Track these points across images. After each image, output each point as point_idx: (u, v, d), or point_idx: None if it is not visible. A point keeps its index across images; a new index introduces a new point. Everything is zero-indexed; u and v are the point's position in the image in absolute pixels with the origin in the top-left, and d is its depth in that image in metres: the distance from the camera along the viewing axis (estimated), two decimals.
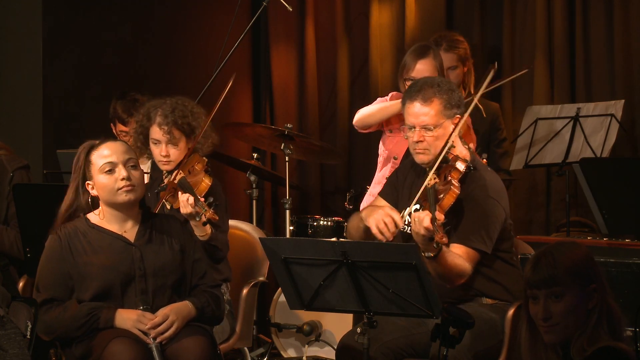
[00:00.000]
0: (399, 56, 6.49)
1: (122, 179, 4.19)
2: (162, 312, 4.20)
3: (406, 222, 4.53)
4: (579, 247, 3.31)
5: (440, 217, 4.09)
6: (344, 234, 6.34)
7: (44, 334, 4.20)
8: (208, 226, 4.66)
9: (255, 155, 6.82)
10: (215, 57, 6.31)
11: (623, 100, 6.06)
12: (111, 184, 4.21)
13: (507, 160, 6.03)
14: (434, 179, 4.28)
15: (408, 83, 5.43)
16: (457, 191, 4.23)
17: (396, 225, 4.33)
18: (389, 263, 3.83)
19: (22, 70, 6.60)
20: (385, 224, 4.32)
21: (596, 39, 6.58)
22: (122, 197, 4.23)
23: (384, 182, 5.50)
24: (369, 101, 5.92)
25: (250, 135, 6.64)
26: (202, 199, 4.58)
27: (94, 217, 4.30)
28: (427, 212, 4.07)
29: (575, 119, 5.95)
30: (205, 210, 4.53)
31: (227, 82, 4.97)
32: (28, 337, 4.14)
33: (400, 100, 5.47)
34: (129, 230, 4.29)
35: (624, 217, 5.41)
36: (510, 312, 4.34)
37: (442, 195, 4.21)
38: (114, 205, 4.26)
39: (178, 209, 4.69)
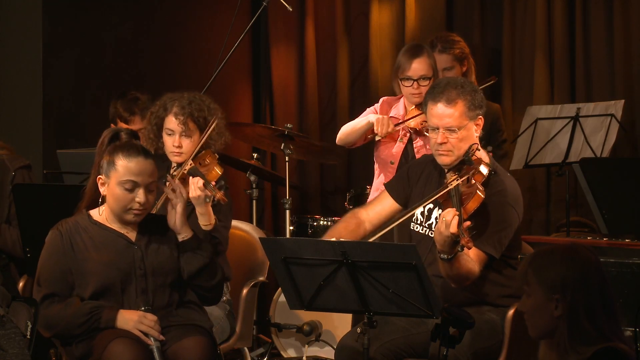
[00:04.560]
0: None
1: (138, 203, 4.17)
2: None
3: (418, 222, 4.53)
4: (571, 261, 3.27)
5: (467, 221, 4.07)
6: None
7: (44, 329, 4.19)
8: (213, 216, 4.67)
9: (255, 155, 6.83)
10: (215, 57, 6.31)
11: (623, 100, 6.06)
12: (126, 201, 4.18)
13: (507, 162, 6.03)
14: (457, 180, 4.25)
15: (405, 83, 5.45)
16: (483, 196, 4.19)
17: None
18: (389, 263, 3.83)
19: (22, 71, 6.60)
20: None
21: (596, 39, 6.58)
22: (130, 217, 4.22)
23: (382, 190, 5.53)
24: (369, 101, 5.95)
25: (250, 135, 6.64)
26: (213, 183, 4.62)
27: (96, 213, 4.29)
28: (454, 212, 4.06)
29: (575, 119, 5.95)
30: (216, 191, 4.56)
31: (212, 121, 4.90)
32: (28, 337, 4.14)
33: (367, 115, 5.53)
34: (130, 229, 4.29)
35: (624, 217, 5.42)
36: (510, 312, 4.34)
37: (467, 199, 4.18)
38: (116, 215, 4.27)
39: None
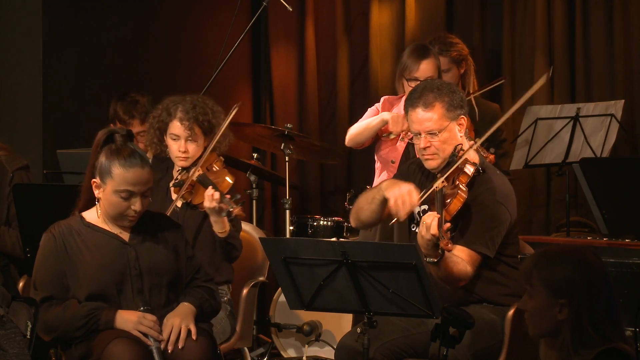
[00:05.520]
0: (398, 56, 6.50)
1: (134, 210, 4.17)
2: (168, 322, 4.19)
3: (416, 222, 4.53)
4: (578, 265, 3.26)
5: (447, 223, 4.08)
6: (344, 234, 6.34)
7: (43, 333, 4.19)
8: (227, 223, 4.68)
9: (255, 155, 6.83)
10: (215, 57, 6.31)
11: (623, 100, 6.06)
12: (121, 208, 4.17)
13: (507, 161, 6.03)
14: (442, 182, 4.26)
15: (412, 83, 5.44)
16: (465, 196, 4.21)
17: (412, 207, 4.28)
18: (389, 263, 3.83)
19: (22, 71, 6.60)
20: (404, 202, 4.25)
21: (596, 39, 6.58)
22: (125, 223, 4.22)
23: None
24: (368, 101, 5.94)
25: (250, 135, 6.64)
26: (228, 196, 4.60)
27: (89, 215, 4.28)
28: (435, 215, 4.06)
29: (575, 119, 5.95)
30: (233, 207, 4.55)
31: (231, 110, 4.92)
32: (28, 337, 4.14)
33: (381, 114, 5.54)
34: (123, 229, 4.27)
35: (624, 217, 5.42)
36: (510, 312, 4.34)
37: (449, 200, 4.19)
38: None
39: (193, 205, 4.72)
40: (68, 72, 6.60)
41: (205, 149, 4.85)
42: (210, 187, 4.64)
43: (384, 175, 5.58)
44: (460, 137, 4.44)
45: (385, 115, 5.52)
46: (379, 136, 5.60)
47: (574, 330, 3.21)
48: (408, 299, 3.87)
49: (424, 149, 4.41)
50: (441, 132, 4.39)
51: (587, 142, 5.94)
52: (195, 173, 4.74)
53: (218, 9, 7.24)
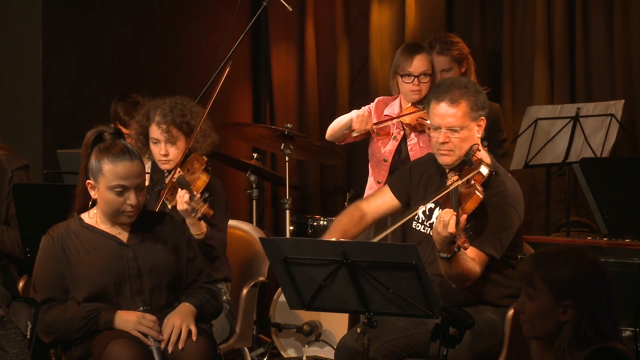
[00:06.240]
0: None
1: (130, 205, 4.16)
2: (168, 323, 4.18)
3: (420, 220, 4.53)
4: (581, 265, 3.26)
5: (464, 221, 4.08)
6: None
7: (44, 335, 4.19)
8: (204, 225, 4.66)
9: (255, 155, 6.82)
10: (215, 57, 6.31)
11: (623, 100, 6.06)
12: (118, 204, 4.16)
13: (507, 161, 6.03)
14: (457, 181, 4.26)
15: (406, 79, 5.45)
16: (481, 196, 4.20)
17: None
18: (389, 263, 3.83)
19: (22, 71, 6.60)
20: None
21: (596, 39, 6.58)
22: (124, 219, 4.21)
23: (375, 188, 5.53)
24: (368, 101, 5.93)
25: (250, 135, 6.64)
26: (198, 195, 4.59)
27: (87, 216, 4.27)
28: (452, 212, 4.06)
29: (575, 119, 5.95)
30: (200, 205, 4.53)
31: (224, 73, 4.93)
32: (28, 337, 4.14)
33: (352, 112, 5.54)
34: (122, 230, 4.27)
35: (624, 217, 5.42)
36: (510, 312, 4.34)
37: (465, 199, 4.19)
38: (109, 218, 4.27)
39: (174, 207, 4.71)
40: (68, 72, 6.60)
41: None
42: (180, 189, 4.61)
43: (377, 174, 5.58)
44: (478, 137, 4.44)
45: (353, 113, 5.53)
46: (371, 134, 5.61)
47: (574, 330, 3.20)
48: (408, 299, 3.87)
49: (442, 143, 4.41)
50: (462, 130, 4.38)
51: (587, 142, 5.94)
52: (175, 175, 4.73)
53: (218, 9, 7.24)
